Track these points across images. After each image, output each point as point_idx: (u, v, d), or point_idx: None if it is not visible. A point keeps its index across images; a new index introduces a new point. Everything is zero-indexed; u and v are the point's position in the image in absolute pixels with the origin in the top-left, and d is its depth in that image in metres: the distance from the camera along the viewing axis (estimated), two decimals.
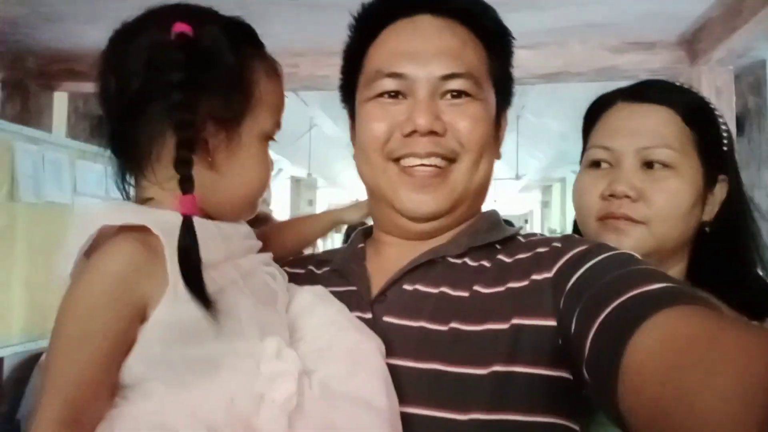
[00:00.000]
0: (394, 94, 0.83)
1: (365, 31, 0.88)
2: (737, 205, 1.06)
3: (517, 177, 7.67)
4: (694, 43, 2.84)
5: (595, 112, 1.11)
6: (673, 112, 1.01)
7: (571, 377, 0.69)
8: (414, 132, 0.80)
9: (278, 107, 0.73)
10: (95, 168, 3.36)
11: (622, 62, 2.95)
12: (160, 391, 0.61)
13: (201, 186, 0.65)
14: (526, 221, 15.05)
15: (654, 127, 1.01)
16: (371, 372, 0.67)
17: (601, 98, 1.12)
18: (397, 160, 0.83)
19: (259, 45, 0.73)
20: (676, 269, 1.03)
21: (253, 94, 0.68)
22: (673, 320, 0.55)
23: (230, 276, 0.66)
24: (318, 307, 0.74)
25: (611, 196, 1.00)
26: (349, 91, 0.92)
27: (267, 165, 0.72)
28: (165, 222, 0.62)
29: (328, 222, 1.01)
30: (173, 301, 0.60)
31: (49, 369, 0.59)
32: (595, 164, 1.06)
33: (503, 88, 0.89)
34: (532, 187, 10.68)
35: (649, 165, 1.01)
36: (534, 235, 0.87)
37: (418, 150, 0.81)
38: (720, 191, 1.04)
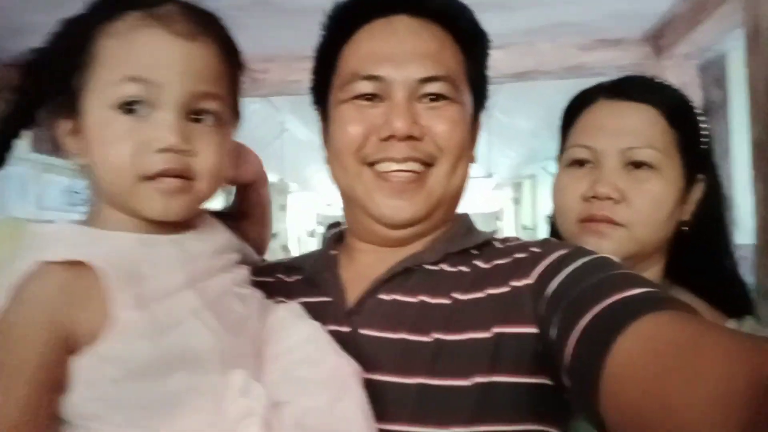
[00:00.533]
0: (371, 97, 0.81)
1: (339, 31, 0.85)
2: (715, 204, 1.05)
3: (489, 175, 7.72)
4: (660, 38, 2.89)
5: (575, 108, 1.08)
6: (657, 112, 0.99)
7: (551, 383, 0.69)
8: (391, 136, 0.78)
9: (129, 65, 0.60)
10: (61, 181, 3.30)
11: (590, 60, 2.99)
12: None
13: (91, 182, 0.63)
14: (498, 219, 15.17)
15: (638, 127, 0.99)
16: (350, 403, 0.64)
17: (582, 94, 1.09)
18: (372, 164, 0.81)
19: (127, 6, 0.62)
20: (654, 269, 1.02)
21: (86, 61, 0.61)
22: (654, 326, 0.55)
23: (189, 305, 0.61)
24: (294, 328, 0.70)
25: (593, 197, 0.98)
26: (320, 93, 0.89)
27: (116, 139, 0.60)
28: (112, 250, 0.59)
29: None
30: (119, 336, 0.57)
31: None
32: (576, 163, 1.03)
33: (479, 90, 0.88)
34: (503, 184, 10.77)
35: (632, 165, 0.98)
36: (509, 239, 0.86)
37: (396, 155, 0.79)
38: (698, 190, 1.03)
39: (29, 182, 3.05)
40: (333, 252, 0.89)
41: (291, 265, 0.92)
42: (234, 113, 0.70)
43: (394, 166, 0.79)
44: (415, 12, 0.82)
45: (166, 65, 0.60)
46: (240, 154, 0.83)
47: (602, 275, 0.66)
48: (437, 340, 0.71)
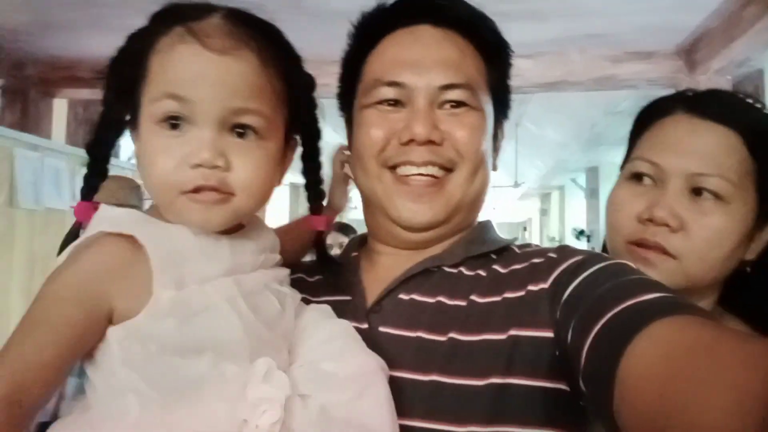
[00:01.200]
0: (393, 102, 0.82)
1: (364, 40, 0.87)
2: None
3: (516, 185, 7.68)
4: (693, 53, 2.86)
5: (648, 116, 0.96)
6: (738, 137, 0.87)
7: (568, 389, 0.69)
8: (411, 141, 0.79)
9: (166, 82, 0.61)
10: None
11: (620, 72, 2.97)
12: (138, 409, 0.58)
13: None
14: (525, 229, 15.06)
15: (713, 151, 0.87)
16: (376, 398, 0.65)
17: (658, 102, 0.97)
18: (393, 168, 0.82)
19: (175, 20, 0.63)
20: (704, 303, 0.90)
21: (142, 76, 0.63)
22: (668, 330, 0.54)
23: (227, 293, 0.63)
24: (323, 326, 0.72)
25: (648, 220, 0.87)
26: (346, 99, 0.91)
27: (158, 152, 0.62)
28: (162, 235, 0.62)
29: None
30: (154, 313, 0.59)
31: (6, 344, 0.58)
32: (637, 177, 0.92)
33: (501, 99, 0.88)
34: (530, 194, 10.69)
35: (697, 192, 0.86)
36: (529, 245, 0.86)
37: (415, 159, 0.80)
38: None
39: (65, 175, 3.13)
40: (354, 254, 0.91)
41: (312, 267, 0.93)
42: (286, 125, 0.69)
43: (414, 170, 0.80)
44: (438, 21, 0.84)
45: (200, 81, 0.61)
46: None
47: (617, 280, 0.66)
48: (452, 340, 0.72)
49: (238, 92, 0.62)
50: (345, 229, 2.76)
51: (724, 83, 2.82)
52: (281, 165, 0.70)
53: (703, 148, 0.87)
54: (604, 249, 1.00)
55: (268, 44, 0.65)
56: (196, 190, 0.61)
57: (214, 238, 0.65)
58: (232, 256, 0.65)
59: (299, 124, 0.72)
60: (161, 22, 0.64)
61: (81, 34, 2.88)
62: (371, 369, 0.66)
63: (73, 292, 0.59)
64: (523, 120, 4.92)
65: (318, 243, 0.81)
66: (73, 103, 3.72)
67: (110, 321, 0.60)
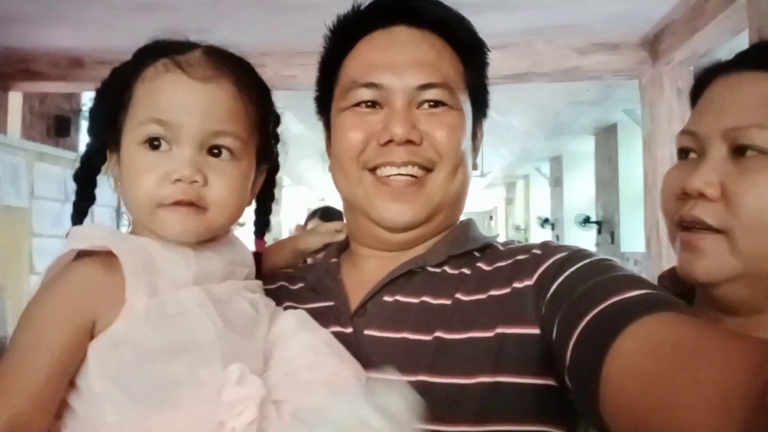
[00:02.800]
0: (371, 104, 0.82)
1: (341, 43, 0.87)
2: None
3: (482, 174, 7.74)
4: (656, 43, 2.90)
5: (694, 94, 0.83)
6: None
7: (557, 384, 0.69)
8: (390, 141, 0.79)
9: (152, 108, 0.67)
10: (54, 171, 3.28)
11: (586, 63, 3.00)
12: (114, 418, 0.59)
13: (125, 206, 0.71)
14: (491, 218, 15.22)
15: (748, 101, 0.72)
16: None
17: (700, 77, 0.82)
18: (372, 169, 0.82)
19: (160, 54, 0.70)
20: None
21: (126, 105, 0.69)
22: (653, 327, 0.55)
23: (197, 299, 0.65)
24: (300, 334, 0.72)
25: (684, 194, 0.75)
26: (324, 103, 0.91)
27: (141, 170, 0.67)
28: (133, 245, 0.66)
29: (290, 252, 0.99)
30: (128, 319, 0.62)
31: None
32: (682, 154, 0.80)
33: (479, 98, 0.89)
34: (496, 184, 10.81)
35: (739, 151, 0.72)
36: (512, 242, 0.87)
37: (395, 159, 0.80)
38: None
39: (22, 171, 3.04)
40: (334, 260, 0.91)
41: (293, 275, 0.93)
42: (262, 152, 0.76)
43: (394, 171, 0.80)
44: (413, 22, 0.84)
45: (182, 107, 0.67)
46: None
47: (602, 277, 0.67)
48: (438, 339, 0.72)
49: (218, 116, 0.68)
50: (329, 215, 2.68)
51: (686, 74, 2.87)
52: (252, 187, 0.76)
53: (739, 101, 0.73)
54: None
55: (244, 75, 0.72)
56: (175, 203, 0.67)
57: (180, 248, 0.68)
58: (198, 265, 0.68)
59: (267, 153, 0.77)
60: (147, 56, 0.71)
61: (37, 26, 2.77)
62: (344, 374, 0.68)
63: (56, 315, 0.62)
64: (488, 110, 4.95)
65: (257, 263, 0.82)
66: (29, 96, 3.60)
67: (91, 337, 0.62)
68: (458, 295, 0.76)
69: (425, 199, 0.81)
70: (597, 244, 6.02)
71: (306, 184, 9.47)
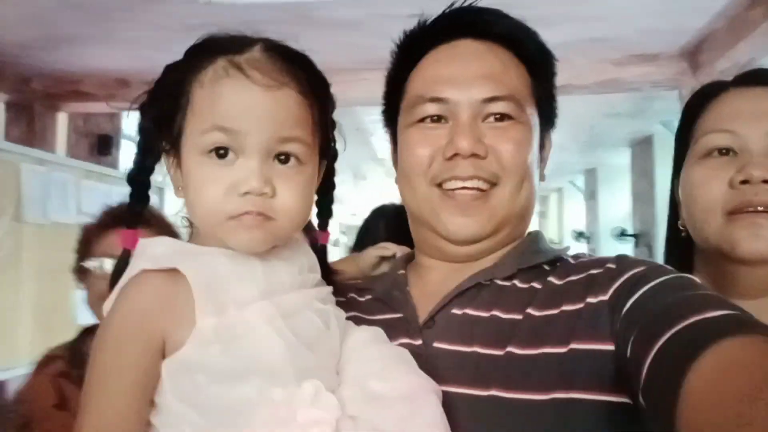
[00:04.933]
0: (437, 119, 0.83)
1: (407, 58, 0.88)
2: None
3: None
4: (697, 54, 2.88)
5: (699, 103, 0.98)
6: None
7: (632, 402, 0.66)
8: (456, 155, 0.80)
9: (215, 115, 0.64)
10: (100, 188, 3.38)
11: (625, 75, 2.98)
12: None
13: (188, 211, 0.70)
14: None
15: None
16: (430, 418, 0.64)
17: (706, 87, 1.00)
18: (440, 184, 0.82)
19: (216, 53, 0.66)
20: None
21: (185, 108, 0.66)
22: (737, 349, 0.53)
23: (266, 314, 0.64)
24: (374, 349, 0.72)
25: (743, 182, 0.86)
26: (391, 116, 0.92)
27: (208, 181, 0.65)
28: (200, 263, 0.64)
29: (356, 269, 1.00)
30: (198, 342, 0.61)
31: (82, 402, 0.61)
32: (714, 153, 0.92)
33: (546, 109, 0.88)
34: None
35: None
36: (582, 255, 0.85)
37: (460, 173, 0.80)
38: None
39: (70, 189, 3.13)
40: (401, 272, 0.91)
41: (362, 287, 0.93)
42: (323, 148, 0.73)
43: (459, 184, 0.81)
44: (479, 36, 0.84)
45: (248, 115, 0.64)
46: None
47: (681, 295, 0.65)
48: (510, 354, 0.71)
49: (283, 123, 0.65)
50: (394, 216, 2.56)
51: None
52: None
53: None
54: (673, 232, 1.00)
55: (306, 75, 0.68)
56: (243, 214, 0.64)
57: (247, 260, 0.67)
58: (266, 277, 0.67)
59: (328, 146, 0.75)
60: (201, 55, 0.67)
61: (86, 48, 2.87)
62: (423, 389, 0.66)
63: (129, 334, 0.62)
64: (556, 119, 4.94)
65: (321, 257, 0.80)
66: (74, 116, 3.72)
67: (164, 356, 0.62)
68: (529, 310, 0.75)
69: (490, 213, 0.81)
70: None
71: (338, 200, 9.52)
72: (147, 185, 0.72)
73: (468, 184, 0.80)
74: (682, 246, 1.01)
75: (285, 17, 2.49)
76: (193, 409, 0.60)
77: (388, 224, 1.45)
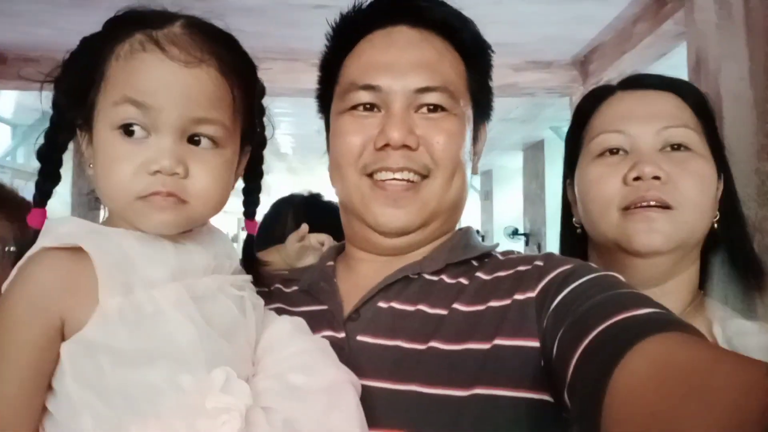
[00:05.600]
0: (369, 107, 0.81)
1: (341, 42, 0.86)
2: (733, 200, 1.00)
3: None
4: (587, 64, 3.05)
5: (588, 105, 1.03)
6: (681, 100, 0.96)
7: (552, 400, 0.68)
8: (387, 145, 0.78)
9: (127, 88, 0.62)
10: (29, 188, 3.13)
11: (521, 80, 3.11)
12: (93, 425, 0.56)
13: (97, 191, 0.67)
14: None
15: (669, 109, 0.95)
16: (346, 412, 0.64)
17: (595, 91, 1.06)
18: (370, 174, 0.81)
19: (135, 27, 0.64)
20: (691, 270, 0.97)
21: (99, 82, 0.64)
22: (663, 347, 0.53)
23: (176, 297, 0.61)
24: (295, 338, 0.70)
25: (636, 179, 0.91)
26: (325, 102, 0.90)
27: (117, 159, 0.62)
28: (106, 241, 0.61)
29: (280, 260, 0.98)
30: (102, 322, 0.58)
31: None
32: (606, 153, 0.97)
33: (482, 101, 0.88)
34: None
35: (669, 148, 0.94)
36: (512, 252, 0.86)
37: (391, 164, 0.79)
38: (720, 186, 0.98)
39: None
40: (330, 263, 0.89)
41: (289, 278, 0.91)
42: (246, 133, 0.71)
43: (390, 175, 0.80)
44: (415, 23, 0.83)
45: (162, 91, 0.62)
46: None
47: (608, 293, 0.65)
48: (433, 349, 0.71)
49: (200, 103, 0.63)
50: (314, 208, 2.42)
51: None
52: (236, 168, 0.70)
53: (660, 109, 0.95)
54: (568, 229, 1.05)
55: (228, 54, 0.66)
56: (152, 194, 0.62)
57: (158, 242, 0.63)
58: (178, 260, 0.64)
59: (253, 132, 0.72)
60: (120, 28, 0.64)
61: None
62: (341, 382, 0.65)
63: (24, 313, 0.58)
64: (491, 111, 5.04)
65: (247, 247, 0.79)
66: None
67: (63, 338, 0.58)
68: (456, 305, 0.75)
69: (420, 205, 0.80)
70: None
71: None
72: (59, 163, 0.68)
73: (398, 175, 0.79)
74: (577, 243, 1.06)
75: None
76: (96, 394, 0.57)
77: (296, 214, 1.42)
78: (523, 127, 5.13)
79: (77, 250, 0.60)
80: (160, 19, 0.64)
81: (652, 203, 0.91)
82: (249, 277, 0.74)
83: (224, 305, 0.66)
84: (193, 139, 0.64)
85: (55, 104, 0.67)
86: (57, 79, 0.66)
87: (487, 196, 7.77)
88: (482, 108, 0.89)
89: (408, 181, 0.80)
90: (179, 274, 0.64)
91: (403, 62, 0.80)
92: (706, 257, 0.99)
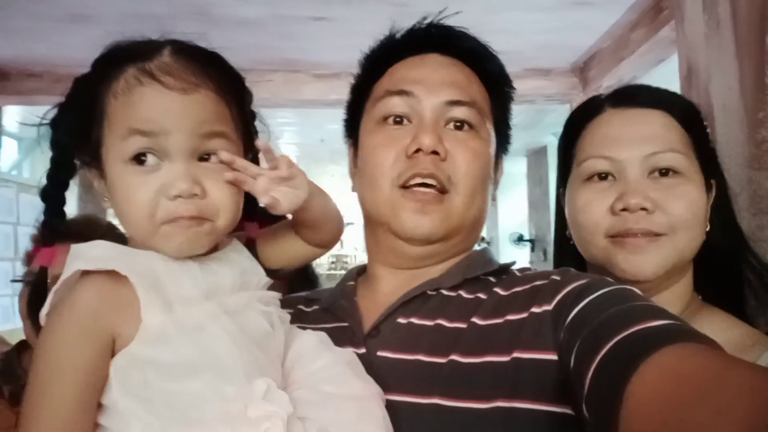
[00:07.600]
0: (399, 120, 0.84)
1: (375, 67, 0.89)
2: (727, 208, 1.00)
3: None
4: (586, 71, 3.05)
5: (578, 122, 1.02)
6: (670, 116, 0.95)
7: (573, 413, 0.66)
8: (418, 150, 0.80)
9: (132, 120, 0.63)
10: (34, 201, 3.23)
11: (521, 87, 3.09)
12: None
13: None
14: None
15: (656, 132, 0.93)
16: (375, 422, 0.65)
17: (585, 106, 1.04)
18: (403, 185, 0.82)
19: (125, 62, 0.65)
20: (685, 280, 0.96)
21: (100, 120, 0.65)
22: (677, 357, 0.53)
23: (211, 312, 0.64)
24: (322, 352, 0.71)
25: (623, 210, 0.91)
26: (352, 126, 0.92)
27: (134, 189, 0.64)
28: (137, 263, 0.63)
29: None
30: (146, 338, 0.61)
31: (25, 410, 0.59)
32: (595, 177, 0.97)
33: (502, 131, 0.91)
34: None
35: (656, 173, 0.93)
36: (529, 269, 0.87)
37: (421, 169, 0.81)
38: (711, 196, 0.97)
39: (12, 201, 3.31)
40: (350, 283, 0.91)
41: (310, 297, 0.94)
42: (246, 141, 0.72)
43: (419, 180, 0.81)
44: (446, 51, 0.87)
45: (167, 116, 0.63)
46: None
47: (623, 306, 0.65)
48: (453, 362, 0.71)
49: (204, 122, 0.65)
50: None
51: None
52: None
53: (647, 132, 0.93)
54: (567, 256, 1.04)
55: (218, 73, 0.68)
56: (176, 218, 0.64)
57: (184, 263, 0.66)
58: (205, 280, 0.66)
59: (250, 138, 0.74)
60: (110, 65, 0.65)
61: None
62: (370, 393, 0.67)
63: (76, 336, 0.60)
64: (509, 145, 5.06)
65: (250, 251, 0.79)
66: None
67: (113, 355, 0.61)
68: (474, 319, 0.75)
69: (445, 215, 0.82)
70: (531, 262, 6.20)
71: None
72: (62, 201, 0.70)
73: (428, 181, 0.81)
74: (572, 252, 1.05)
75: (183, 12, 2.40)
76: (143, 406, 0.58)
77: None
78: (525, 133, 5.13)
79: (113, 273, 0.61)
80: (147, 49, 0.66)
81: (639, 235, 0.91)
82: (277, 294, 0.76)
83: (255, 319, 0.68)
84: (203, 158, 0.66)
85: (56, 144, 0.68)
86: (54, 120, 0.68)
87: (492, 202, 7.76)
88: (502, 139, 0.92)
89: (434, 188, 0.82)
90: (209, 293, 0.66)
91: (435, 78, 0.84)
92: (700, 262, 0.98)
